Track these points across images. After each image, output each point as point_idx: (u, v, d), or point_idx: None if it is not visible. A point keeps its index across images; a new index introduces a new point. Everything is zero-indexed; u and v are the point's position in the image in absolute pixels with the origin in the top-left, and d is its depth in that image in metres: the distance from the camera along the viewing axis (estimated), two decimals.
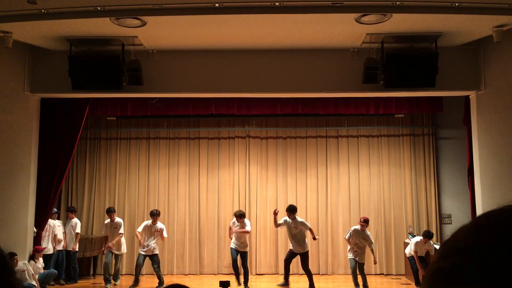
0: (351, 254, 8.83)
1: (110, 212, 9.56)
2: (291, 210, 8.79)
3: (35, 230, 8.54)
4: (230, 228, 9.12)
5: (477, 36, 7.30)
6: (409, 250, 9.20)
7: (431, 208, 10.78)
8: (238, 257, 8.93)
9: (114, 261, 9.53)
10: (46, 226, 9.00)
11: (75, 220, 9.95)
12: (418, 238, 9.09)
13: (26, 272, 7.88)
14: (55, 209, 9.69)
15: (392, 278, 10.44)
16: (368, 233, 8.94)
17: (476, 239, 0.53)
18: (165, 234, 9.33)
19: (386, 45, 7.32)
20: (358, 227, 8.91)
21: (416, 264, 8.97)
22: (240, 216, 8.98)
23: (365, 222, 8.87)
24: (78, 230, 9.76)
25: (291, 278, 9.12)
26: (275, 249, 10.94)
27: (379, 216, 10.88)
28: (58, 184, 8.85)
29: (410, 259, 9.19)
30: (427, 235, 8.94)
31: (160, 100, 9.77)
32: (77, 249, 9.78)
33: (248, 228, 8.94)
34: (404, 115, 10.89)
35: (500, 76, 7.47)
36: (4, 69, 7.70)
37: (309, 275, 8.78)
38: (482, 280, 0.50)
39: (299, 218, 8.89)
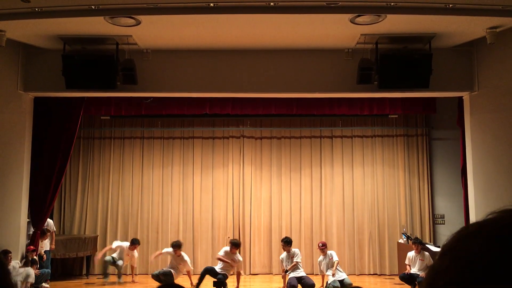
0: (332, 278, 8.77)
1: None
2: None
3: (32, 229, 8.48)
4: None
5: (470, 37, 7.34)
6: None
7: (425, 208, 10.82)
8: None
9: None
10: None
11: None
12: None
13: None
14: None
15: (386, 278, 10.46)
16: (331, 252, 9.05)
17: (490, 248, 0.52)
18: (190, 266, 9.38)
19: (381, 45, 7.34)
20: (321, 257, 9.00)
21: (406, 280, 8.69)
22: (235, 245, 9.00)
23: (323, 246, 9.00)
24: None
25: None
26: (269, 249, 10.95)
27: (373, 216, 10.91)
28: (56, 184, 8.74)
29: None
30: (415, 241, 8.83)
31: (154, 99, 9.74)
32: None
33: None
34: (398, 115, 10.92)
35: (493, 77, 7.51)
36: None
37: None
38: None
39: None
